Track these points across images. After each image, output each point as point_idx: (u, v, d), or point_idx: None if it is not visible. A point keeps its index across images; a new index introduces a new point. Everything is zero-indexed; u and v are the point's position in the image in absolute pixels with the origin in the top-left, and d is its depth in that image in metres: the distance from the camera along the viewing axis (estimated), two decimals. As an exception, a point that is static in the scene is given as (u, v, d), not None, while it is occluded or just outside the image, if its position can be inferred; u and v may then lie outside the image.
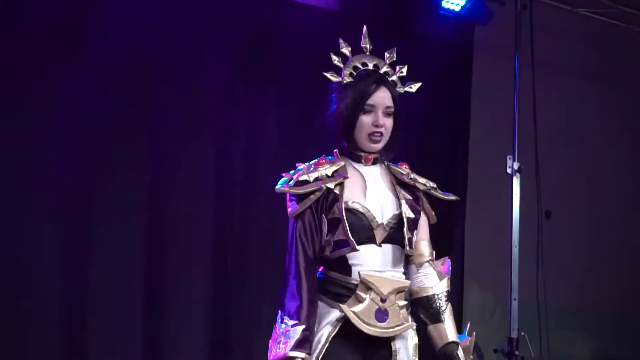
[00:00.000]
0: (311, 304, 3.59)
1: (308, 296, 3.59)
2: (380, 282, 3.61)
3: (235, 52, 6.80)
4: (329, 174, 3.68)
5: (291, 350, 3.50)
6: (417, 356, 3.76)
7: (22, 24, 5.92)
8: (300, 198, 3.67)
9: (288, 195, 3.70)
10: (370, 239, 3.65)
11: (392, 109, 3.74)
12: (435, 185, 3.98)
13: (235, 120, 6.78)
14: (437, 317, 3.82)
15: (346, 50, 3.81)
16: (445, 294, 3.86)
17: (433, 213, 3.96)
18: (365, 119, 3.68)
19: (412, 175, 3.88)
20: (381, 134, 3.71)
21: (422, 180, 3.92)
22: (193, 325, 6.43)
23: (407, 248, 3.67)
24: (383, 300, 3.60)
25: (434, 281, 3.85)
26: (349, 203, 3.64)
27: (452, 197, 4.03)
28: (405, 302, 3.72)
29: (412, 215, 3.72)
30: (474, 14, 7.57)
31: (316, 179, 3.67)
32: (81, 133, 6.13)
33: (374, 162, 3.81)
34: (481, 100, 8.08)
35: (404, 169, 3.88)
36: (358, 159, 3.78)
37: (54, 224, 6.00)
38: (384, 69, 3.82)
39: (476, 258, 7.98)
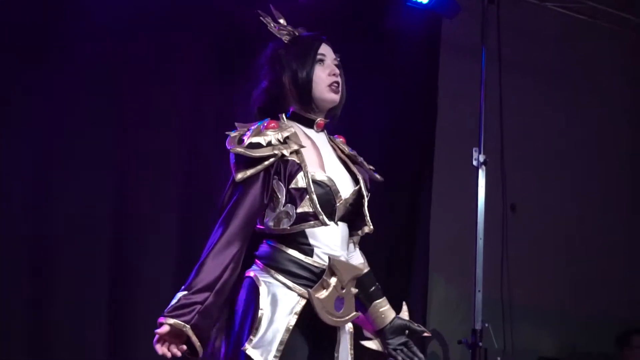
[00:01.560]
0: (211, 270, 3.27)
1: (213, 262, 3.28)
2: (344, 268, 3.40)
3: (205, 49, 6.77)
4: (281, 139, 3.43)
5: (163, 316, 3.21)
6: (352, 344, 3.55)
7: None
8: (251, 162, 3.39)
9: (234, 157, 3.44)
10: (331, 215, 3.44)
11: (338, 61, 3.62)
12: (373, 168, 3.84)
13: (206, 118, 6.75)
14: (377, 294, 3.62)
15: (282, 21, 3.71)
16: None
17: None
18: (321, 71, 3.54)
19: (354, 152, 3.74)
20: (339, 83, 3.57)
21: (361, 158, 3.77)
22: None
23: (370, 228, 3.56)
24: (342, 288, 3.38)
25: (362, 258, 3.73)
26: (315, 174, 3.43)
27: (379, 178, 3.84)
28: (357, 290, 3.50)
29: (367, 195, 3.57)
30: (441, 7, 7.56)
31: (269, 143, 3.40)
32: (50, 133, 6.09)
33: (322, 129, 3.63)
34: (448, 93, 8.10)
35: (343, 144, 3.75)
36: (309, 124, 3.59)
37: (21, 222, 5.97)
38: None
39: (441, 251, 8.00)
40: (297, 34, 3.65)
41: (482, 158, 7.26)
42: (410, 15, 7.58)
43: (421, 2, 7.51)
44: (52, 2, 6.15)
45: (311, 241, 3.40)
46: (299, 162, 3.42)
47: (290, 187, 3.39)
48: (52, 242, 6.05)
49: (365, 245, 3.79)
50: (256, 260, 3.46)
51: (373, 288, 3.61)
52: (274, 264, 3.39)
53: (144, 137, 6.42)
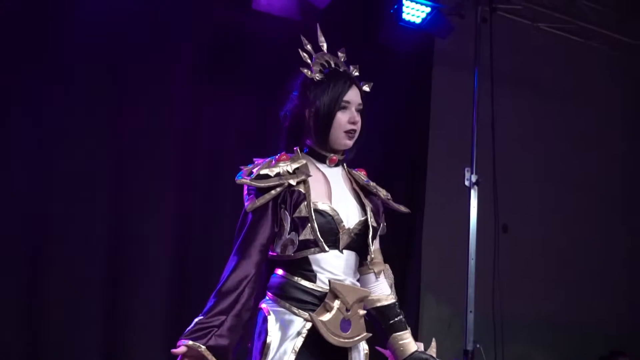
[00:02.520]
0: (227, 295, 3.42)
1: (228, 288, 3.43)
2: (347, 291, 3.52)
3: (200, 57, 6.80)
4: (290, 171, 3.59)
5: (181, 338, 3.35)
6: None
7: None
8: (260, 192, 3.56)
9: (246, 188, 3.61)
10: (334, 244, 3.57)
11: (362, 106, 3.70)
12: (390, 197, 3.92)
13: (199, 124, 6.77)
14: (399, 326, 3.75)
15: (310, 47, 3.76)
16: (397, 301, 3.83)
17: (385, 224, 3.86)
18: (342, 116, 3.62)
19: (372, 183, 3.84)
20: (355, 131, 3.66)
21: (381, 189, 3.87)
22: (153, 327, 6.39)
23: (371, 256, 3.63)
24: (348, 310, 3.51)
25: (389, 289, 3.81)
26: (318, 204, 3.56)
27: (404, 209, 3.99)
28: (364, 312, 3.62)
29: (375, 224, 3.67)
30: (434, 26, 7.59)
31: (277, 174, 3.56)
32: (44, 132, 6.10)
33: (337, 164, 3.73)
34: (440, 112, 8.11)
35: (363, 176, 3.84)
36: (322, 159, 3.70)
37: (18, 221, 6.00)
38: (342, 68, 3.78)
39: (433, 270, 8.00)
40: (332, 64, 3.75)
41: (474, 178, 7.27)
42: (403, 34, 7.59)
43: (414, 22, 7.52)
44: (47, 4, 6.17)
45: (314, 267, 3.54)
46: (304, 192, 3.57)
47: (294, 215, 3.54)
48: (47, 244, 6.10)
49: None
50: (267, 292, 3.62)
51: (394, 320, 3.74)
52: (281, 293, 3.55)
53: (142, 148, 6.45)
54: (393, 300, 3.78)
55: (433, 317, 8.20)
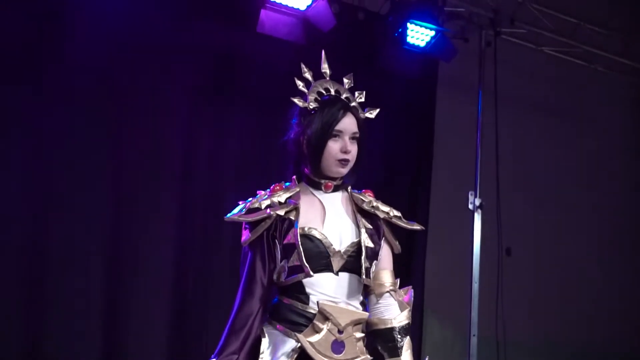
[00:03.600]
0: (237, 334, 3.53)
1: (237, 326, 3.53)
2: (339, 313, 3.52)
3: (199, 78, 6.81)
4: (282, 201, 3.62)
5: None
6: None
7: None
8: (253, 226, 3.59)
9: (243, 224, 3.63)
10: (327, 267, 3.56)
11: (358, 135, 3.66)
12: (399, 214, 3.85)
13: (198, 146, 6.78)
14: (394, 352, 3.65)
15: (308, 76, 3.74)
16: (405, 326, 3.70)
17: (397, 243, 3.82)
18: (334, 145, 3.60)
19: (375, 204, 3.78)
20: (348, 160, 3.62)
21: (385, 208, 3.80)
22: (150, 329, 6.42)
23: (364, 277, 3.57)
24: (340, 332, 3.51)
25: (394, 313, 3.70)
26: (305, 229, 3.56)
27: (417, 227, 3.94)
28: (362, 335, 3.60)
29: (371, 245, 3.63)
30: (439, 50, 7.60)
31: (268, 206, 3.59)
32: (40, 153, 6.10)
33: (335, 190, 3.72)
34: (444, 135, 8.11)
35: (366, 197, 3.79)
36: (317, 186, 3.70)
37: (13, 239, 5.99)
38: (344, 95, 3.73)
39: (436, 292, 7.98)
40: (332, 91, 3.73)
41: (477, 202, 7.29)
42: (408, 58, 7.60)
43: (418, 46, 7.54)
44: (44, 23, 6.18)
45: (308, 290, 3.54)
46: (294, 219, 3.58)
47: (283, 243, 3.56)
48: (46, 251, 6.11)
49: None
50: (267, 316, 3.65)
51: (391, 344, 3.67)
52: (276, 316, 3.58)
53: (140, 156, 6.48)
54: (391, 325, 3.69)
55: (436, 341, 8.18)
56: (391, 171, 7.74)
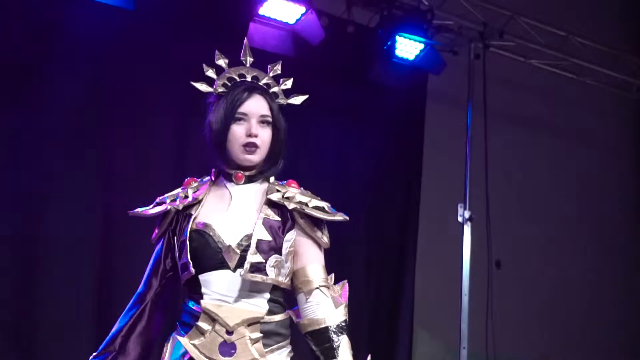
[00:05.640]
0: (118, 337, 3.37)
1: (118, 328, 3.38)
2: (227, 313, 3.25)
3: (190, 90, 6.79)
4: (187, 195, 3.42)
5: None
6: None
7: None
8: (159, 222, 3.44)
9: (157, 220, 3.47)
10: (223, 264, 3.29)
11: (269, 119, 3.39)
12: (323, 205, 3.42)
13: (189, 161, 6.76)
14: (330, 352, 3.30)
15: (222, 62, 3.48)
16: (341, 324, 3.33)
17: (323, 236, 3.42)
18: (237, 129, 3.35)
19: (290, 194, 3.40)
20: (255, 145, 3.35)
21: (303, 199, 3.41)
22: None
23: (247, 273, 3.24)
24: (229, 333, 3.24)
25: (326, 311, 3.33)
26: (199, 224, 3.33)
27: (339, 217, 3.44)
28: (260, 335, 3.28)
29: (267, 238, 3.29)
30: (428, 63, 7.62)
31: (172, 201, 3.42)
32: (33, 173, 6.09)
33: (249, 181, 3.43)
34: (434, 148, 8.12)
35: (285, 188, 3.44)
36: (230, 178, 3.42)
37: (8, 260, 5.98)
38: (264, 81, 3.45)
39: (426, 305, 7.98)
40: (248, 78, 3.46)
41: (467, 214, 7.29)
42: (397, 71, 7.61)
43: (407, 59, 7.55)
44: (36, 43, 6.17)
45: (203, 290, 3.31)
46: (194, 214, 3.37)
47: (179, 239, 3.37)
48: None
49: (350, 299, 3.64)
50: None
51: (326, 345, 3.31)
52: (178, 319, 3.39)
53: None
54: (324, 325, 3.32)
55: (426, 354, 8.17)
56: (380, 184, 7.75)
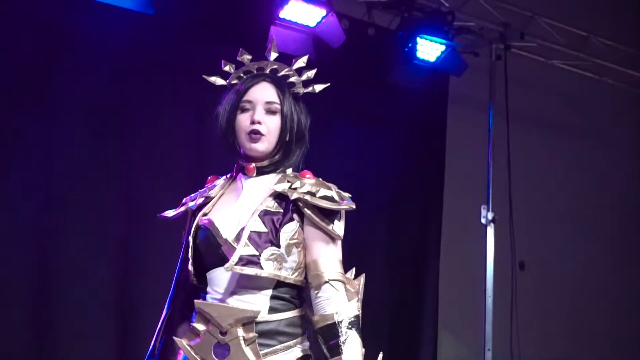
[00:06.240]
0: (160, 339, 3.26)
1: (157, 334, 3.27)
2: (220, 312, 3.06)
3: (206, 97, 6.79)
4: (204, 193, 3.32)
5: None
6: None
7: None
8: (183, 224, 3.35)
9: None
10: (224, 260, 3.10)
11: (277, 106, 3.23)
12: (330, 194, 3.19)
13: (210, 162, 6.76)
14: (335, 350, 3.08)
15: (245, 58, 3.34)
16: (351, 319, 3.11)
17: (331, 227, 3.18)
18: (242, 118, 3.22)
19: (298, 185, 3.19)
20: (259, 132, 3.19)
21: (312, 188, 3.19)
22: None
23: (235, 266, 3.05)
24: (223, 333, 3.06)
25: (337, 306, 3.11)
26: (203, 221, 3.21)
27: (345, 207, 3.21)
28: (254, 335, 3.07)
29: (261, 229, 3.11)
30: (449, 65, 7.60)
31: (192, 200, 3.34)
32: (47, 177, 6.10)
33: (262, 173, 3.27)
34: (456, 150, 8.11)
35: (295, 178, 3.24)
36: (244, 171, 3.28)
37: (25, 265, 5.96)
38: (283, 73, 3.32)
39: (450, 308, 7.97)
40: (253, 71, 3.33)
41: (490, 215, 7.28)
42: (418, 73, 7.61)
43: (428, 61, 7.54)
44: (49, 46, 6.18)
45: (208, 289, 3.20)
46: (207, 211, 3.25)
47: (189, 239, 3.25)
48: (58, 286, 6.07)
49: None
50: None
51: (333, 342, 3.09)
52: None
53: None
54: (332, 321, 3.10)
55: (450, 356, 8.16)
56: (402, 186, 7.74)
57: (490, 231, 7.33)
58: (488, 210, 7.31)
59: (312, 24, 6.90)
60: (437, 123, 8.07)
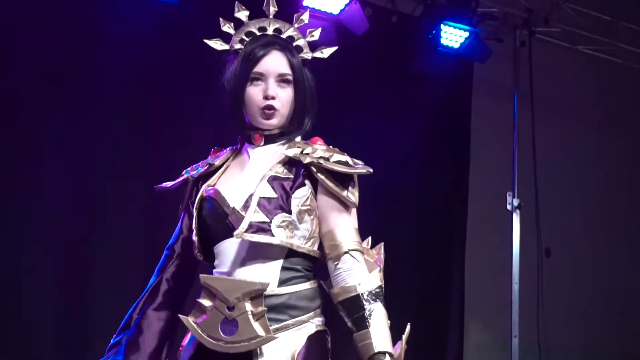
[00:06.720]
0: (133, 315, 3.11)
1: (133, 306, 3.12)
2: (226, 286, 2.89)
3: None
4: (209, 164, 3.17)
5: None
6: None
7: (14, 66, 5.96)
8: (183, 194, 3.19)
9: None
10: (231, 230, 2.94)
11: (290, 77, 3.07)
12: (345, 159, 3.05)
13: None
14: (362, 324, 2.92)
15: (242, 15, 3.17)
16: (375, 290, 2.96)
17: (347, 193, 3.02)
18: (254, 91, 3.04)
19: (310, 150, 3.04)
20: (273, 107, 3.04)
21: (324, 154, 3.04)
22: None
23: (245, 233, 2.89)
24: (230, 308, 2.87)
25: (359, 277, 2.96)
26: (208, 191, 3.06)
27: (361, 170, 3.05)
28: (263, 309, 2.89)
29: (270, 195, 2.96)
30: (473, 51, 7.57)
31: (193, 171, 3.19)
32: (76, 173, 6.12)
33: (270, 142, 3.10)
34: (481, 137, 8.07)
35: (305, 145, 3.09)
36: (250, 140, 3.12)
37: (55, 260, 6.01)
38: (287, 34, 3.15)
39: (476, 295, 7.94)
40: (255, 32, 3.14)
41: (516, 202, 7.26)
42: (442, 60, 7.58)
43: (452, 47, 7.52)
44: (77, 44, 6.20)
45: (216, 261, 3.03)
46: (212, 183, 3.10)
47: (193, 210, 3.09)
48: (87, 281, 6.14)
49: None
50: None
51: (356, 316, 2.94)
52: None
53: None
54: (355, 293, 2.95)
55: (477, 342, 8.14)
56: (428, 173, 7.72)
57: (516, 218, 7.32)
58: (514, 197, 7.29)
59: (336, 11, 6.92)
60: (462, 110, 8.04)
